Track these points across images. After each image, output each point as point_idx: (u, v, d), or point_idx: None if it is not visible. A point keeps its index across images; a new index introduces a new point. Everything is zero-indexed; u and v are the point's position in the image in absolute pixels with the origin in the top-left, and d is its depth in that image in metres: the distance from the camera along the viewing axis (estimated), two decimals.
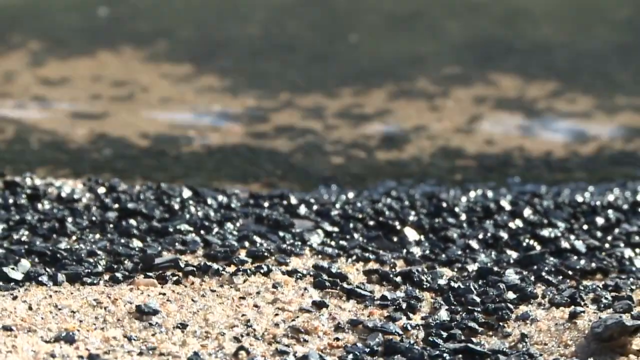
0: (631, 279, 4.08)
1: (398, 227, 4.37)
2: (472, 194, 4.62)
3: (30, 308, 3.73)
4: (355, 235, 4.35)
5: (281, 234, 4.31)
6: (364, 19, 5.67)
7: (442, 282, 4.01)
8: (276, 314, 3.76)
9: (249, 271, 3.99)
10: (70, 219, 4.37)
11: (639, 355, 3.57)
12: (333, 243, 4.27)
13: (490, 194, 4.61)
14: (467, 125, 5.02)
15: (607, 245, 4.31)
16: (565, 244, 4.29)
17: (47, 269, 4.01)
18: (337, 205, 4.50)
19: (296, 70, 5.16)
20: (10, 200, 4.47)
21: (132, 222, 4.36)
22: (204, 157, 4.80)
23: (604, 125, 5.09)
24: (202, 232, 4.30)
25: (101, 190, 4.54)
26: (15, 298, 3.79)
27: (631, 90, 5.24)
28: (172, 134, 4.87)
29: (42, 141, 4.94)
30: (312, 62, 5.26)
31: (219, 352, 3.57)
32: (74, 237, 4.24)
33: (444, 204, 4.51)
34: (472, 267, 4.11)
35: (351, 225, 4.38)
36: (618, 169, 4.84)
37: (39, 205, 4.45)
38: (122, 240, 4.21)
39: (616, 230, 4.42)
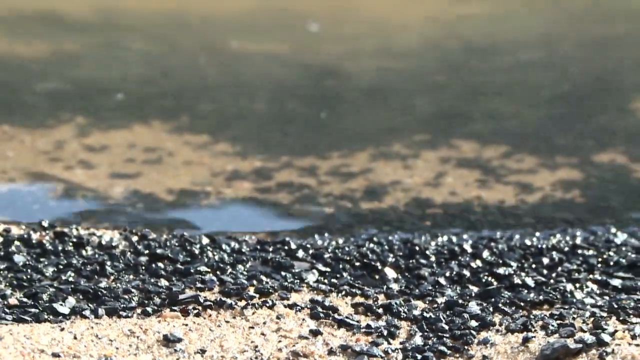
0: (573, 309, 4.00)
1: (379, 267, 4.31)
2: (439, 239, 4.55)
3: (75, 337, 3.65)
4: (344, 274, 4.28)
5: (283, 273, 4.24)
6: (348, 95, 5.59)
7: (416, 312, 3.94)
8: (279, 341, 3.70)
9: (256, 305, 3.93)
10: (109, 263, 4.29)
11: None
12: (326, 281, 4.21)
13: (454, 238, 4.53)
14: (434, 180, 4.95)
15: (552, 281, 4.24)
16: (517, 280, 4.22)
17: (90, 305, 3.94)
18: (329, 250, 4.42)
19: (294, 138, 5.10)
20: (59, 248, 4.38)
21: (160, 265, 4.29)
22: (219, 209, 4.72)
23: (547, 179, 5.01)
24: (217, 272, 4.23)
25: (134, 238, 4.46)
26: (62, 329, 3.71)
27: (569, 152, 5.18)
28: (193, 190, 4.80)
29: (85, 197, 4.84)
30: (306, 131, 5.19)
31: None
32: (112, 278, 4.16)
33: (417, 248, 4.44)
34: (441, 300, 4.04)
35: (340, 266, 4.32)
36: (559, 214, 4.77)
37: (83, 252, 4.36)
38: (152, 280, 4.14)
39: (559, 268, 4.34)
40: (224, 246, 4.43)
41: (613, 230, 4.62)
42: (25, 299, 3.96)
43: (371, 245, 4.44)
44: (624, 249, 4.45)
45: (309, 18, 6.32)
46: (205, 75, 5.67)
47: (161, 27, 6.16)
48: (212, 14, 6.41)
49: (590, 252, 4.44)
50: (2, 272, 4.14)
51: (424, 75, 5.76)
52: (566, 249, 4.46)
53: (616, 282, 4.21)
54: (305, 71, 5.78)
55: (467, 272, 4.27)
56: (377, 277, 4.22)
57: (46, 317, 3.82)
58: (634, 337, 3.76)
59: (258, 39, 6.15)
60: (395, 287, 4.15)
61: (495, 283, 4.20)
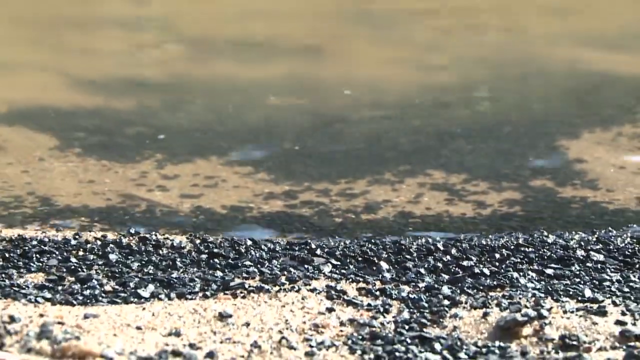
0: (519, 291, 3.85)
1: (376, 261, 4.16)
2: (419, 240, 4.41)
3: (153, 315, 3.49)
4: (350, 267, 4.13)
5: (306, 266, 4.10)
6: (352, 136, 5.44)
7: (404, 294, 3.77)
8: (303, 316, 3.55)
9: (286, 289, 3.79)
10: (178, 259, 4.14)
11: (525, 338, 3.37)
12: (337, 271, 4.05)
13: (430, 240, 4.40)
14: (414, 199, 4.83)
15: (502, 271, 4.08)
16: (477, 270, 4.06)
17: (164, 290, 3.81)
18: (339, 248, 4.27)
19: (313, 169, 4.98)
20: (143, 248, 4.24)
21: (216, 260, 4.14)
22: (259, 220, 4.58)
23: (496, 198, 4.89)
24: (258, 266, 4.08)
25: (197, 241, 4.32)
26: (144, 309, 3.56)
27: (511, 178, 5.03)
28: (240, 206, 4.69)
29: (162, 212, 4.68)
30: (322, 163, 5.05)
31: (269, 340, 3.36)
32: (181, 270, 4.01)
33: (403, 247, 4.29)
34: (422, 285, 3.89)
35: (347, 260, 4.17)
36: (505, 223, 4.62)
37: (160, 251, 4.22)
38: (210, 272, 3.99)
39: (507, 261, 4.18)
40: (262, 246, 4.30)
41: (545, 233, 4.50)
42: (117, 286, 3.84)
43: (369, 245, 4.31)
44: (554, 247, 4.34)
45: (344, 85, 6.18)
46: (248, 122, 5.52)
47: (217, 86, 6.01)
48: (258, 77, 6.26)
49: (530, 249, 4.31)
50: (100, 266, 4.04)
51: (406, 121, 5.61)
52: (512, 247, 4.32)
53: (549, 271, 4.10)
54: (321, 119, 5.62)
55: (440, 265, 4.14)
56: (374, 268, 4.09)
57: (132, 299, 3.71)
58: (565, 312, 3.65)
59: (290, 95, 5.99)
60: (388, 275, 4.02)
61: (461, 272, 4.07)
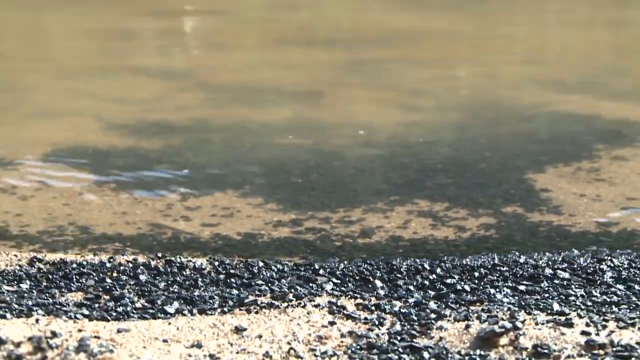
0: (496, 305, 3.77)
1: (371, 279, 4.07)
2: (408, 260, 4.33)
3: (177, 329, 3.42)
4: (349, 284, 4.04)
5: (310, 284, 4.01)
6: (348, 171, 5.39)
7: (396, 309, 3.70)
8: (309, 329, 3.47)
9: (294, 305, 3.72)
10: (200, 279, 4.06)
11: (502, 347, 3.30)
12: (338, 289, 3.97)
13: (417, 260, 4.33)
14: (403, 225, 4.80)
15: (481, 287, 4.01)
16: (459, 287, 3.97)
17: (187, 307, 3.72)
18: (339, 269, 4.20)
19: (316, 200, 4.93)
20: (168, 270, 4.17)
21: (232, 280, 4.07)
22: (269, 245, 4.52)
23: (474, 223, 4.87)
24: (269, 284, 4.01)
25: (216, 263, 4.25)
26: (169, 323, 3.50)
27: (486, 206, 5.03)
28: (252, 232, 4.63)
29: (185, 238, 4.65)
30: (324, 195, 5.00)
31: (279, 350, 3.29)
32: (202, 289, 3.93)
33: (395, 267, 4.21)
34: (411, 300, 3.81)
35: (347, 279, 4.08)
36: (483, 244, 4.63)
37: (183, 272, 4.14)
38: (227, 290, 3.91)
39: (485, 279, 4.11)
40: (272, 267, 4.23)
41: (517, 254, 4.43)
42: (146, 304, 3.77)
43: (365, 265, 4.24)
44: (525, 266, 4.27)
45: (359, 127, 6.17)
46: (260, 159, 5.49)
47: (232, 128, 5.98)
48: (268, 119, 6.23)
49: (504, 268, 4.24)
50: (131, 286, 3.97)
51: (395, 158, 5.56)
52: (489, 266, 4.26)
53: (522, 287, 4.04)
54: (322, 156, 5.57)
55: (427, 282, 4.07)
56: (370, 286, 4.01)
57: (159, 315, 3.64)
58: (536, 323, 3.58)
59: (295, 135, 5.95)
60: (381, 292, 3.94)
61: (445, 289, 3.99)
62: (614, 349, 3.39)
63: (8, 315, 3.58)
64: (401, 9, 8.36)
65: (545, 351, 3.36)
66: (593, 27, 8.26)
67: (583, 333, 3.49)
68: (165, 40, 7.70)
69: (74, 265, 4.24)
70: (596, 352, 3.38)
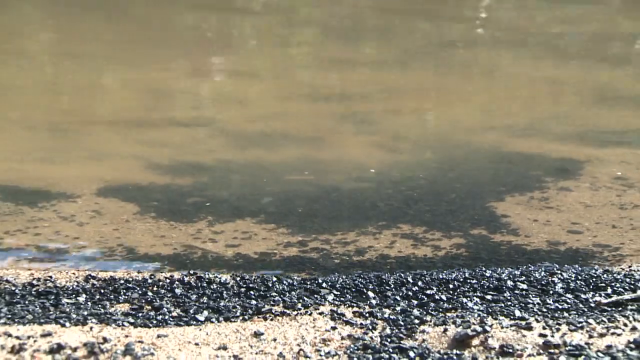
0: (468, 312, 3.67)
1: (365, 291, 3.97)
2: (394, 275, 4.24)
3: (206, 334, 3.32)
4: (347, 296, 3.93)
5: (315, 295, 3.91)
6: (345, 202, 5.30)
7: (386, 315, 3.60)
8: (315, 333, 3.38)
9: (302, 313, 3.62)
10: (224, 292, 3.95)
11: (474, 347, 3.20)
12: (338, 299, 3.87)
13: (402, 275, 4.24)
14: (390, 245, 4.72)
15: (455, 297, 3.89)
16: (437, 297, 3.87)
17: (214, 315, 3.62)
18: (338, 282, 4.10)
19: (318, 225, 4.87)
20: (199, 284, 4.06)
21: (251, 292, 3.96)
22: (281, 262, 4.47)
23: (447, 244, 4.81)
24: (281, 295, 3.89)
25: (238, 278, 4.15)
26: (200, 329, 3.40)
27: (457, 230, 5.00)
28: (267, 252, 4.58)
29: (212, 257, 4.59)
30: (324, 221, 4.91)
31: (291, 351, 3.18)
32: (226, 300, 3.83)
33: (384, 280, 4.11)
34: (398, 308, 3.70)
35: (345, 291, 3.97)
36: (455, 261, 4.53)
37: (211, 286, 4.03)
38: (247, 300, 3.80)
39: (458, 290, 4.00)
40: (284, 281, 4.13)
41: (484, 269, 4.34)
42: (181, 313, 3.66)
43: (360, 279, 4.13)
44: (490, 279, 4.17)
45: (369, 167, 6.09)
46: (272, 192, 5.49)
47: (249, 167, 5.94)
48: (278, 159, 6.16)
49: (474, 281, 4.13)
50: (169, 298, 3.87)
51: (382, 190, 5.52)
52: (461, 279, 4.15)
53: (489, 297, 3.96)
54: (322, 189, 5.51)
55: (410, 293, 3.96)
56: (364, 296, 3.90)
57: (192, 322, 3.53)
58: (502, 327, 3.50)
59: (301, 172, 5.89)
60: (374, 302, 3.83)
61: (426, 299, 3.89)
62: (567, 348, 3.32)
63: (67, 324, 3.47)
64: (381, 70, 8.34)
65: (510, 350, 3.28)
66: (535, 82, 8.25)
67: (541, 335, 3.42)
68: (197, 97, 7.65)
69: (122, 281, 4.14)
70: (552, 351, 3.31)
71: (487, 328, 3.48)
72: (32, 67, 8.45)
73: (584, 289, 4.14)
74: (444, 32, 10.22)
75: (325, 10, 11.23)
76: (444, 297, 3.95)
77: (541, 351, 3.32)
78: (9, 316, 3.65)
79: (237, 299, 3.93)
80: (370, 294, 4.00)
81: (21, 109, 7.30)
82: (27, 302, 3.86)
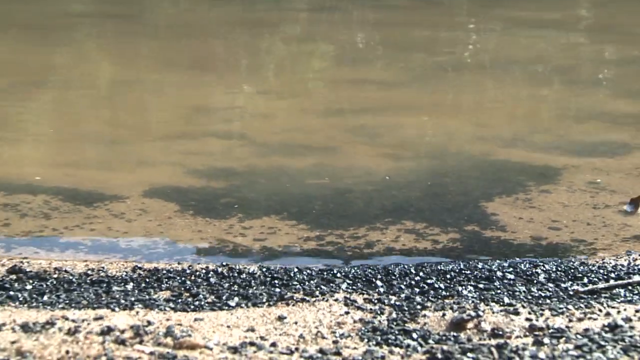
0: (463, 299, 3.60)
1: (374, 280, 3.90)
2: (400, 266, 4.22)
3: (237, 318, 3.27)
4: (359, 284, 3.87)
5: (330, 284, 3.83)
6: (354, 201, 5.23)
7: (392, 302, 3.54)
8: (330, 317, 3.31)
9: (319, 300, 3.55)
10: (252, 281, 3.90)
11: (469, 330, 3.11)
12: (350, 287, 3.80)
13: (406, 266, 4.20)
14: (395, 239, 4.64)
15: (452, 286, 3.81)
16: (436, 285, 3.82)
17: (244, 301, 3.55)
18: (351, 273, 4.05)
19: (333, 222, 4.83)
20: (230, 274, 4.06)
21: (275, 281, 3.89)
22: (301, 254, 4.51)
23: (445, 237, 4.70)
24: (301, 284, 3.83)
25: (264, 269, 4.11)
26: (231, 314, 3.33)
27: (454, 227, 4.86)
28: (289, 245, 4.58)
29: (242, 250, 4.57)
30: (338, 219, 4.87)
31: (310, 332, 3.13)
32: (254, 288, 3.76)
33: (390, 270, 4.04)
34: (403, 295, 3.65)
35: (356, 280, 3.91)
36: (452, 254, 4.51)
37: (241, 276, 4.03)
38: (272, 289, 3.74)
39: (455, 279, 3.93)
40: (304, 272, 4.05)
41: (476, 261, 4.27)
42: (215, 299, 3.59)
43: (369, 269, 4.06)
44: (482, 270, 4.09)
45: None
46: (293, 194, 5.51)
47: (273, 172, 6.00)
48: (298, 166, 6.10)
49: (468, 271, 4.04)
50: (204, 286, 3.81)
51: (387, 192, 5.59)
52: (457, 270, 4.07)
53: (481, 285, 3.88)
54: (337, 192, 5.49)
55: (413, 282, 3.87)
56: (373, 285, 3.81)
57: (224, 308, 3.48)
58: (493, 312, 3.45)
59: (318, 177, 5.83)
60: (381, 289, 3.74)
61: (426, 287, 3.79)
62: (550, 331, 3.24)
63: (116, 308, 3.41)
64: (385, 89, 8.30)
65: (500, 333, 3.20)
66: (517, 101, 8.19)
67: (527, 319, 3.34)
68: (229, 113, 7.63)
69: (164, 271, 4.07)
70: (537, 333, 3.22)
71: (480, 313, 3.39)
72: (91, 88, 8.47)
73: (563, 279, 4.04)
74: (438, 59, 10.21)
75: (338, 41, 11.24)
76: (442, 286, 3.86)
77: (527, 333, 3.23)
78: (67, 301, 3.59)
79: (263, 287, 3.84)
80: (378, 282, 3.92)
81: (81, 124, 7.30)
82: (82, 289, 3.80)
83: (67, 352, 2.84)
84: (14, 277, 4.00)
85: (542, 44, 10.71)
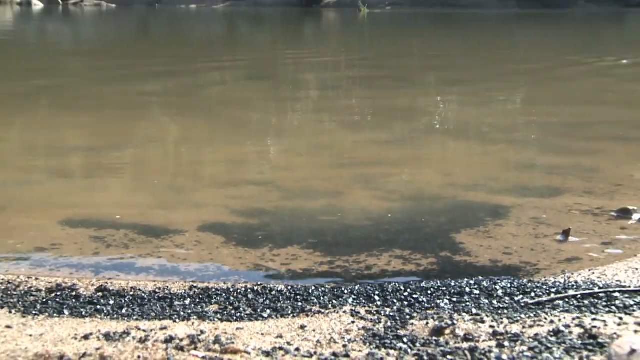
0: (441, 310, 3.44)
1: (372, 296, 3.80)
2: (392, 284, 4.07)
3: (269, 327, 3.20)
4: (361, 299, 3.75)
5: (340, 299, 3.73)
6: (357, 233, 5.11)
7: (387, 313, 3.44)
8: (340, 325, 3.19)
9: (331, 312, 3.43)
10: (280, 297, 3.81)
11: (447, 335, 2.97)
12: (355, 301, 3.67)
13: (396, 284, 4.06)
14: (387, 263, 4.47)
15: (432, 300, 3.69)
16: (420, 299, 3.71)
17: (274, 313, 3.47)
18: (355, 289, 3.91)
19: (342, 250, 4.68)
20: (263, 292, 3.88)
21: (298, 297, 3.78)
22: (317, 275, 4.28)
23: (425, 261, 4.53)
24: (318, 299, 3.76)
25: (289, 287, 3.98)
26: (264, 324, 3.25)
27: (430, 253, 4.70)
28: (307, 269, 4.37)
29: (273, 273, 4.35)
30: (344, 247, 4.77)
31: (325, 338, 3.00)
32: (282, 302, 3.65)
33: (384, 288, 3.94)
34: (395, 308, 3.55)
35: (359, 295, 3.79)
36: (431, 274, 4.32)
37: (272, 292, 3.83)
38: (295, 303, 3.62)
39: (434, 295, 3.79)
40: (319, 289, 3.94)
41: (450, 280, 4.12)
42: (252, 311, 3.50)
43: (369, 287, 3.96)
44: (454, 287, 3.97)
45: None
46: (310, 226, 5.27)
47: (292, 209, 5.84)
48: (311, 206, 5.95)
49: (443, 288, 3.91)
50: (244, 301, 3.66)
51: (380, 226, 5.45)
52: (435, 287, 3.95)
53: (454, 299, 3.73)
54: (342, 226, 5.37)
55: (402, 297, 3.76)
56: (372, 299, 3.71)
57: (259, 318, 3.37)
58: (464, 321, 3.31)
59: (327, 214, 5.67)
60: (379, 303, 3.64)
61: (413, 301, 3.67)
62: (509, 335, 3.13)
63: (177, 320, 3.31)
64: (377, 147, 8.25)
65: (471, 337, 3.09)
66: (473, 157, 8.11)
67: (490, 326, 3.23)
68: (260, 165, 7.57)
69: (213, 289, 3.98)
70: (499, 337, 3.10)
71: (455, 322, 3.28)
72: (158, 148, 8.43)
73: (516, 293, 3.92)
74: (415, 125, 10.23)
75: (340, 112, 11.24)
76: (425, 300, 3.75)
77: (491, 338, 3.11)
78: (140, 314, 3.49)
79: (288, 301, 3.75)
80: (376, 297, 3.81)
81: (151, 175, 7.26)
82: (151, 304, 3.70)
83: (139, 357, 2.74)
84: (100, 294, 3.91)
85: (489, 112, 10.70)
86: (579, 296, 3.79)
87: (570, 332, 3.24)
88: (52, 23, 31.82)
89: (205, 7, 48.40)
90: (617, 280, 4.09)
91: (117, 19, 35.62)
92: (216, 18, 40.32)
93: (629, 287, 3.94)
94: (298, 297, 3.90)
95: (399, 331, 3.31)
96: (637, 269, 4.28)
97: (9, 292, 3.74)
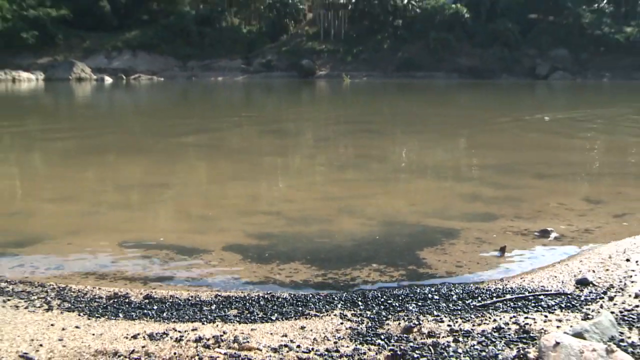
0: (410, 313, 3.37)
1: (357, 301, 3.67)
2: (371, 292, 3.97)
3: (276, 327, 3.10)
4: (348, 304, 3.65)
5: (332, 305, 3.62)
6: (348, 251, 5.01)
7: (369, 315, 3.32)
8: (332, 325, 3.09)
9: (325, 315, 3.34)
10: (285, 303, 3.67)
11: (415, 332, 2.87)
12: (343, 306, 3.55)
13: (375, 292, 3.94)
14: (367, 275, 4.36)
15: (403, 304, 3.59)
16: (394, 304, 3.59)
17: (280, 317, 3.34)
18: (343, 297, 3.82)
19: (333, 265, 4.52)
20: (272, 299, 3.72)
21: (299, 302, 3.65)
22: (314, 285, 4.10)
23: (397, 274, 4.41)
24: (314, 304, 3.62)
25: (292, 295, 3.83)
26: (272, 325, 3.13)
27: (401, 267, 4.58)
28: (306, 280, 4.22)
29: (281, 284, 4.21)
30: (336, 263, 4.63)
31: (320, 336, 2.92)
32: (285, 307, 3.51)
33: (366, 295, 3.81)
34: (374, 311, 3.44)
35: (347, 302, 3.68)
36: (402, 284, 4.17)
37: (278, 300, 3.70)
38: (296, 307, 3.52)
39: (404, 300, 3.69)
40: (315, 296, 3.87)
41: (416, 288, 4.02)
42: (263, 315, 3.40)
43: (354, 295, 3.86)
44: (420, 293, 3.89)
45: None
46: (317, 249, 5.17)
47: (296, 236, 5.70)
48: (313, 230, 5.84)
49: (412, 294, 3.85)
50: (257, 307, 3.55)
51: (362, 247, 5.33)
52: (405, 294, 3.89)
53: (420, 304, 3.65)
54: (336, 245, 5.25)
55: (380, 302, 3.68)
56: (356, 304, 3.63)
57: (269, 321, 3.28)
58: (428, 321, 3.22)
59: (324, 237, 5.55)
60: (362, 307, 3.57)
61: (388, 305, 3.60)
62: (462, 332, 3.08)
63: (205, 322, 3.23)
64: (357, 185, 8.19)
65: (433, 334, 3.02)
66: (432, 191, 8.04)
67: (448, 325, 3.15)
68: (271, 199, 7.49)
69: (233, 297, 3.91)
70: (455, 334, 3.03)
71: (421, 322, 3.21)
72: (191, 186, 8.35)
73: (467, 298, 3.87)
74: (386, 166, 10.17)
75: (330, 156, 11.18)
76: (397, 304, 3.69)
77: (449, 334, 3.05)
78: (177, 317, 3.42)
79: (291, 307, 3.68)
80: (360, 303, 3.74)
81: (186, 207, 7.19)
82: (186, 309, 3.61)
83: (175, 353, 2.66)
84: (146, 301, 3.83)
85: (441, 156, 10.75)
86: (514, 299, 3.76)
87: (509, 328, 3.19)
88: (118, 93, 32.11)
89: (229, 79, 49.79)
90: (542, 286, 4.08)
91: (164, 89, 36.08)
92: (237, 87, 41.17)
93: (551, 290, 3.94)
94: (299, 303, 3.82)
95: (377, 330, 3.25)
96: (556, 276, 4.28)
97: (79, 299, 3.72)
